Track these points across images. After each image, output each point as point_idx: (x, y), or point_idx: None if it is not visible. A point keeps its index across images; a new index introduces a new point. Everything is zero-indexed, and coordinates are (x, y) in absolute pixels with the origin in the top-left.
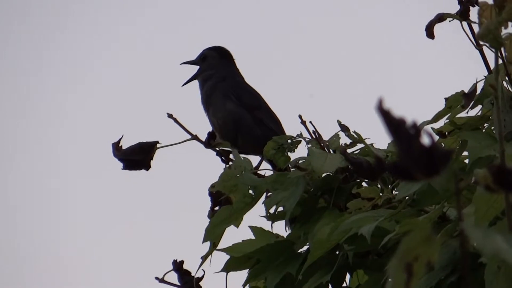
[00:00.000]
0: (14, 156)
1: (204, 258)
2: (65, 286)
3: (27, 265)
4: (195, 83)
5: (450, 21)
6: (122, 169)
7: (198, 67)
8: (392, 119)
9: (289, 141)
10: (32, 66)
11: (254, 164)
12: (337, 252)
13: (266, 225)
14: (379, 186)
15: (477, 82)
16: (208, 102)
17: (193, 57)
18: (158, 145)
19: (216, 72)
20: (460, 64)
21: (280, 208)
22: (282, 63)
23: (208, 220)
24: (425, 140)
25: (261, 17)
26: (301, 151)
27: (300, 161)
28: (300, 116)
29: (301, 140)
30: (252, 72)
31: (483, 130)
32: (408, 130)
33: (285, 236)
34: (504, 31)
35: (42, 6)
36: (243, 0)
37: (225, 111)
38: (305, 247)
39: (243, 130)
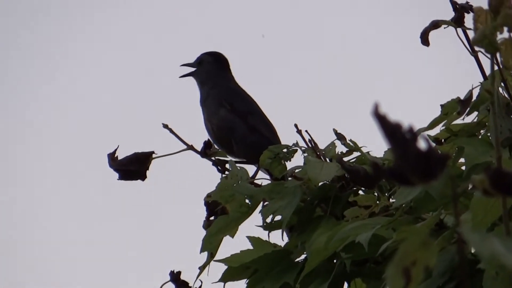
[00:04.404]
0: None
1: (202, 268)
2: None
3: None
4: (193, 85)
5: (445, 27)
6: (118, 179)
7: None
8: (388, 124)
9: (285, 150)
10: (25, 69)
11: (251, 174)
12: (335, 261)
13: (263, 235)
14: (376, 194)
15: (472, 89)
16: (203, 108)
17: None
18: (153, 155)
19: (209, 77)
20: (456, 70)
21: (277, 218)
22: (278, 71)
23: (204, 230)
24: (422, 144)
25: (258, 23)
26: (297, 160)
27: (297, 170)
28: (296, 125)
29: (297, 149)
30: (248, 79)
31: (480, 137)
32: (404, 134)
33: (282, 246)
34: (499, 36)
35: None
36: (241, 5)
37: (219, 117)
38: (303, 256)
39: (237, 137)
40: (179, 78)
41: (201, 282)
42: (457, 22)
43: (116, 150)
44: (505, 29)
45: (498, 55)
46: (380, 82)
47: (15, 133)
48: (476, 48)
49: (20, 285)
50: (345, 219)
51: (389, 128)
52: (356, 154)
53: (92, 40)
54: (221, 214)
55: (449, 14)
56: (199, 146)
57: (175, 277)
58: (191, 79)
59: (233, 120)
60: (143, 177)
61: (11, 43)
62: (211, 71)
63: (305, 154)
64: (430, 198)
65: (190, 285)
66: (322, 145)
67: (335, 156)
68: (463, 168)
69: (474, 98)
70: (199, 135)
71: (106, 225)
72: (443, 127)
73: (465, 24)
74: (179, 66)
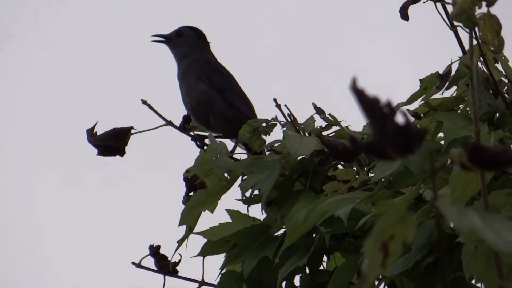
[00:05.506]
0: None
1: (180, 242)
2: (37, 271)
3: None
4: (171, 59)
5: (424, 2)
6: (96, 155)
7: (169, 42)
8: (366, 98)
9: (264, 124)
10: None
11: (230, 148)
12: (314, 235)
13: (242, 209)
14: (355, 168)
15: (452, 63)
16: (182, 81)
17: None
18: (132, 131)
19: (191, 51)
20: (435, 45)
21: (256, 192)
22: (257, 46)
23: (183, 206)
24: (400, 119)
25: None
26: (276, 134)
27: (276, 144)
28: (275, 100)
29: (276, 124)
30: (227, 54)
31: (459, 111)
32: (382, 108)
33: (261, 220)
34: (478, 11)
35: None
36: None
37: (197, 92)
38: (282, 231)
39: (214, 112)
40: (151, 42)
41: (180, 256)
42: None
43: (95, 125)
44: (484, 3)
45: (476, 29)
46: (359, 57)
47: None
48: (455, 23)
49: None
50: (324, 194)
51: (367, 103)
52: (335, 128)
53: (66, 9)
54: (200, 188)
55: None
56: (178, 122)
57: (154, 251)
58: (167, 54)
59: (211, 95)
60: (122, 152)
61: None
62: (193, 45)
63: (284, 128)
64: (409, 172)
65: (169, 259)
66: (301, 119)
67: (314, 130)
68: (442, 142)
69: (453, 72)
70: (178, 111)
71: (85, 200)
72: (422, 102)
73: None
74: (150, 36)
